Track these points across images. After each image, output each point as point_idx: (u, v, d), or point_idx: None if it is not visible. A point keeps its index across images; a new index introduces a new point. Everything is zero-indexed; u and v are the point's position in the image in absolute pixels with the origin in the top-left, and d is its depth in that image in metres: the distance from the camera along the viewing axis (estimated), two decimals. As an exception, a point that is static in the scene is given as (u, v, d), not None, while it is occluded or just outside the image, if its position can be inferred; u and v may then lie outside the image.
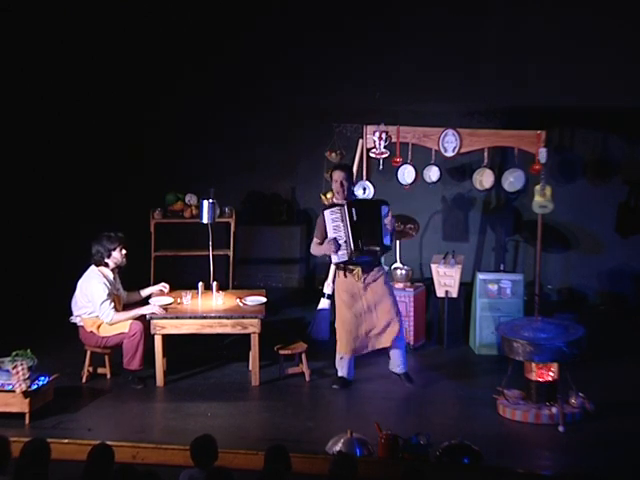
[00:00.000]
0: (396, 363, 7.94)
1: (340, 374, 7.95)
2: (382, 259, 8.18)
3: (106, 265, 7.96)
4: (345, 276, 7.79)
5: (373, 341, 7.83)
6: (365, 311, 7.76)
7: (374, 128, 8.95)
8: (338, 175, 7.80)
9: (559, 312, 9.16)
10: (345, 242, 7.66)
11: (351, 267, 7.74)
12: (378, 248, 7.71)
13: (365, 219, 7.65)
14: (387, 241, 7.72)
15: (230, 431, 6.88)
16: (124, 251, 8.00)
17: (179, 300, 8.15)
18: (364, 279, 7.73)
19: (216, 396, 7.72)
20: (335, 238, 7.66)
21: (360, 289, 7.75)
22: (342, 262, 7.74)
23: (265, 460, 5.33)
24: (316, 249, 7.93)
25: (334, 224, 7.70)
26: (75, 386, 7.91)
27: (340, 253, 7.70)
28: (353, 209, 7.65)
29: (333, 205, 7.87)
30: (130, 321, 7.87)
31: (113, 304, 7.89)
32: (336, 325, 7.94)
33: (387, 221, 7.66)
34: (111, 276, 8.00)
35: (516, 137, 8.91)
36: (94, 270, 7.96)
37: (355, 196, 8.10)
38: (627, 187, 10.39)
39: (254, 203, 11.12)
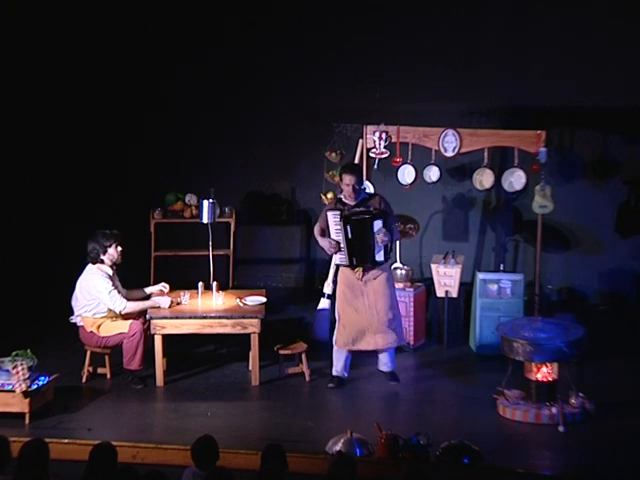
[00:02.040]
0: (383, 361, 7.95)
1: (334, 372, 7.96)
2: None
3: (102, 262, 7.95)
4: (347, 271, 7.81)
5: (368, 339, 7.78)
6: (366, 308, 7.75)
7: (374, 128, 8.95)
8: (349, 179, 7.69)
9: (560, 312, 9.14)
10: (344, 248, 7.71)
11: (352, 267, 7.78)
12: (369, 264, 7.72)
13: (358, 236, 7.63)
14: (379, 257, 7.71)
15: (230, 431, 6.87)
16: (119, 248, 7.98)
17: (178, 300, 8.15)
18: (364, 276, 7.74)
19: (216, 396, 7.71)
20: (337, 242, 7.69)
21: (361, 285, 7.77)
22: (342, 264, 7.81)
23: (262, 459, 5.32)
24: (318, 236, 7.95)
25: (336, 227, 7.73)
26: (75, 386, 7.91)
27: (340, 256, 7.77)
28: (348, 226, 7.61)
29: (336, 207, 7.80)
30: (130, 321, 7.87)
31: (121, 294, 7.92)
32: (335, 316, 7.95)
33: (379, 237, 7.62)
34: (110, 272, 7.99)
35: (516, 137, 8.90)
36: (92, 267, 7.95)
37: (365, 194, 7.88)
38: (627, 187, 10.37)
39: (254, 203, 11.12)
